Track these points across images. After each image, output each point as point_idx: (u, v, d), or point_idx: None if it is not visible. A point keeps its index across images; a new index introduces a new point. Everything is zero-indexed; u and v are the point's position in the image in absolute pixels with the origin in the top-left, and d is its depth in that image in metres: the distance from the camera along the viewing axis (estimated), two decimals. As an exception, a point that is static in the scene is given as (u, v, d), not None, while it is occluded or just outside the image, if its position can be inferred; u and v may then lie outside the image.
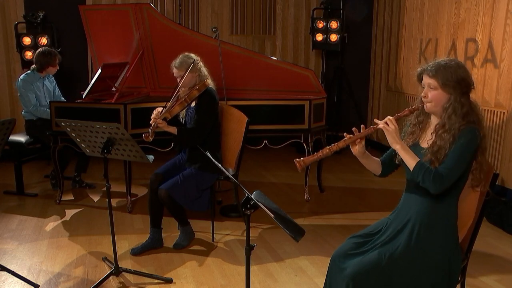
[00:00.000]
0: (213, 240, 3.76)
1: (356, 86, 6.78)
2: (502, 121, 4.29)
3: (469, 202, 2.26)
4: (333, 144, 2.17)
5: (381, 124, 2.13)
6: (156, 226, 3.58)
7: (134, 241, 3.69)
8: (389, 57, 6.42)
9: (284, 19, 6.80)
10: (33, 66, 4.78)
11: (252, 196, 2.04)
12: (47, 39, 5.56)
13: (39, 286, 3.03)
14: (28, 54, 5.54)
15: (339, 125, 6.74)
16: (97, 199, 4.73)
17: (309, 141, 4.47)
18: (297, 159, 2.16)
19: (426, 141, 2.19)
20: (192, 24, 6.45)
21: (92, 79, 4.69)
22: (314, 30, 6.38)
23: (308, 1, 6.83)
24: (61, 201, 4.53)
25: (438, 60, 2.15)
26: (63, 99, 4.97)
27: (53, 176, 4.88)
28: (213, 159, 2.32)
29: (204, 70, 3.63)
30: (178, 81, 3.58)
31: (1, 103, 6.00)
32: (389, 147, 2.23)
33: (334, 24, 6.26)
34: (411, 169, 2.09)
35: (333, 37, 6.30)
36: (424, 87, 2.16)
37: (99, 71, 4.43)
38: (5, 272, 3.08)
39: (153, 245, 3.57)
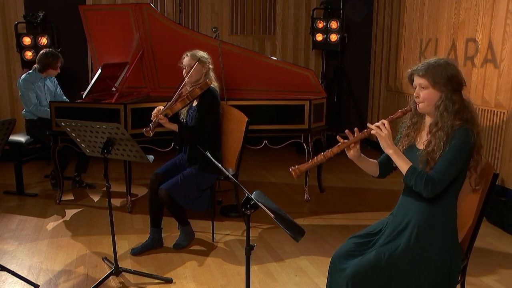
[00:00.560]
0: (213, 240, 3.76)
1: (356, 86, 6.78)
2: (502, 121, 4.29)
3: (469, 202, 2.26)
4: (327, 151, 2.17)
5: (374, 128, 2.14)
6: (156, 226, 3.58)
7: (134, 241, 3.69)
8: (389, 57, 6.42)
9: (284, 19, 6.80)
10: (35, 65, 4.78)
11: (252, 196, 2.04)
12: (47, 39, 5.56)
13: (39, 286, 3.03)
14: (28, 54, 5.54)
15: (339, 125, 6.73)
16: (97, 199, 4.73)
17: (309, 141, 4.48)
18: (292, 168, 2.16)
19: (422, 143, 2.19)
20: (192, 24, 6.45)
21: (92, 79, 4.69)
22: (314, 30, 6.38)
23: (308, 1, 6.83)
24: (61, 201, 4.53)
25: (427, 60, 2.16)
26: (65, 98, 4.97)
27: (53, 176, 4.88)
28: (213, 159, 2.33)
29: (211, 73, 3.68)
30: (184, 72, 3.61)
31: (1, 103, 6.00)
32: None
33: (334, 24, 6.26)
34: (404, 174, 2.10)
35: (333, 37, 6.30)
36: (415, 88, 2.17)
37: (99, 71, 4.43)
38: (5, 272, 3.08)
39: (153, 245, 3.57)
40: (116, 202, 4.60)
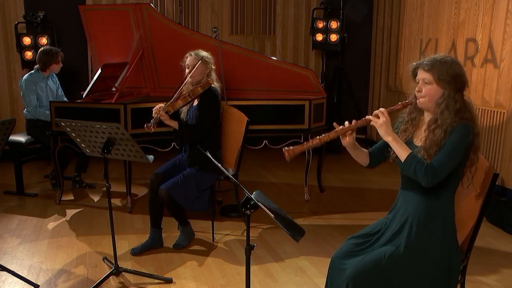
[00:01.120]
0: (213, 240, 3.76)
1: (356, 86, 6.78)
2: (502, 121, 4.29)
3: (469, 202, 2.26)
4: (323, 135, 2.16)
5: (371, 118, 2.12)
6: (156, 226, 3.58)
7: (134, 241, 3.69)
8: (389, 57, 6.42)
9: (284, 19, 6.80)
10: (36, 66, 4.78)
11: (252, 196, 2.04)
12: (47, 39, 5.56)
13: (39, 286, 3.03)
14: (28, 54, 5.54)
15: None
16: (97, 199, 4.73)
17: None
18: (286, 148, 2.14)
19: (419, 139, 2.18)
20: (192, 24, 6.45)
21: (92, 79, 4.69)
22: (314, 30, 6.38)
23: (308, 1, 6.82)
24: (61, 201, 4.53)
25: (433, 55, 2.14)
26: (66, 99, 4.98)
27: (53, 176, 4.88)
28: (213, 159, 2.33)
29: (214, 74, 3.68)
30: (186, 72, 3.62)
31: (1, 103, 6.00)
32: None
33: (334, 24, 6.26)
34: (403, 161, 2.07)
35: (333, 37, 6.30)
36: (418, 82, 2.16)
37: (99, 71, 4.43)
38: (5, 272, 3.08)
39: (153, 245, 3.57)
40: (116, 202, 4.60)
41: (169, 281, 3.12)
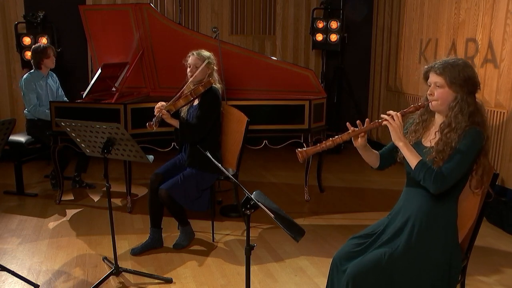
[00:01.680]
0: (213, 240, 3.76)
1: (356, 86, 6.78)
2: (502, 121, 4.29)
3: (469, 202, 2.26)
4: (336, 136, 2.16)
5: (386, 118, 2.12)
6: (156, 226, 3.58)
7: (134, 241, 3.69)
8: (389, 57, 6.42)
9: (284, 19, 6.80)
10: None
11: (252, 196, 2.04)
12: (47, 39, 5.56)
13: (39, 286, 3.03)
14: (28, 54, 5.53)
15: (339, 125, 6.74)
16: (97, 199, 4.73)
17: (309, 141, 4.47)
18: (299, 149, 2.16)
19: (429, 140, 2.19)
20: (192, 24, 6.45)
21: (92, 79, 4.69)
22: (314, 30, 6.38)
23: (308, 1, 6.82)
24: (61, 201, 4.53)
25: (445, 58, 2.14)
26: (66, 99, 4.98)
27: (53, 176, 4.88)
28: (213, 159, 2.33)
29: (215, 74, 3.69)
30: (188, 71, 3.63)
31: (1, 103, 6.00)
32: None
33: (334, 24, 6.26)
34: (413, 168, 2.08)
35: (333, 37, 6.30)
36: (430, 85, 2.16)
37: (99, 71, 4.43)
38: (5, 272, 3.08)
39: (153, 245, 3.57)
40: (116, 202, 4.60)
41: (169, 281, 3.12)
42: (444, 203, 2.12)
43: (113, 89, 4.77)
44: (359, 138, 2.22)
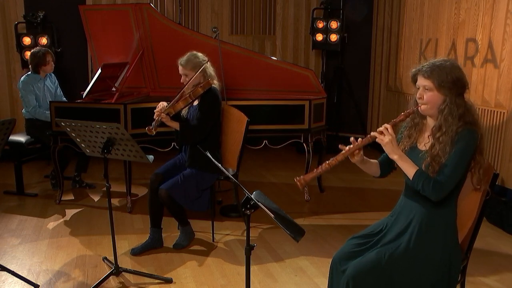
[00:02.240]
0: (213, 240, 3.76)
1: (356, 86, 6.78)
2: (502, 121, 4.29)
3: (469, 202, 2.26)
4: (332, 159, 2.15)
5: (377, 136, 2.11)
6: (156, 226, 3.58)
7: (134, 241, 3.69)
8: (389, 57, 6.42)
9: (284, 19, 6.80)
10: None
11: (252, 196, 2.04)
12: (47, 39, 5.56)
13: (39, 286, 3.03)
14: (28, 54, 5.53)
15: (339, 125, 6.75)
16: (97, 199, 4.73)
17: (309, 141, 4.48)
18: (297, 178, 2.16)
19: (424, 144, 2.18)
20: (192, 24, 6.45)
21: (92, 79, 4.69)
22: (314, 30, 6.38)
23: (308, 1, 6.83)
24: (61, 201, 4.53)
25: (432, 60, 2.13)
26: (64, 99, 4.97)
27: (53, 176, 4.88)
28: (213, 159, 2.33)
29: (211, 70, 3.65)
30: (181, 78, 3.60)
31: (1, 103, 6.00)
32: None
33: (334, 24, 6.26)
34: (410, 178, 2.08)
35: (333, 37, 6.30)
36: (418, 88, 2.15)
37: (99, 71, 4.43)
38: (5, 272, 3.08)
39: (153, 245, 3.57)
40: (116, 202, 4.60)
41: (169, 281, 3.12)
42: (444, 204, 2.12)
43: (113, 89, 4.77)
44: (355, 156, 2.22)
